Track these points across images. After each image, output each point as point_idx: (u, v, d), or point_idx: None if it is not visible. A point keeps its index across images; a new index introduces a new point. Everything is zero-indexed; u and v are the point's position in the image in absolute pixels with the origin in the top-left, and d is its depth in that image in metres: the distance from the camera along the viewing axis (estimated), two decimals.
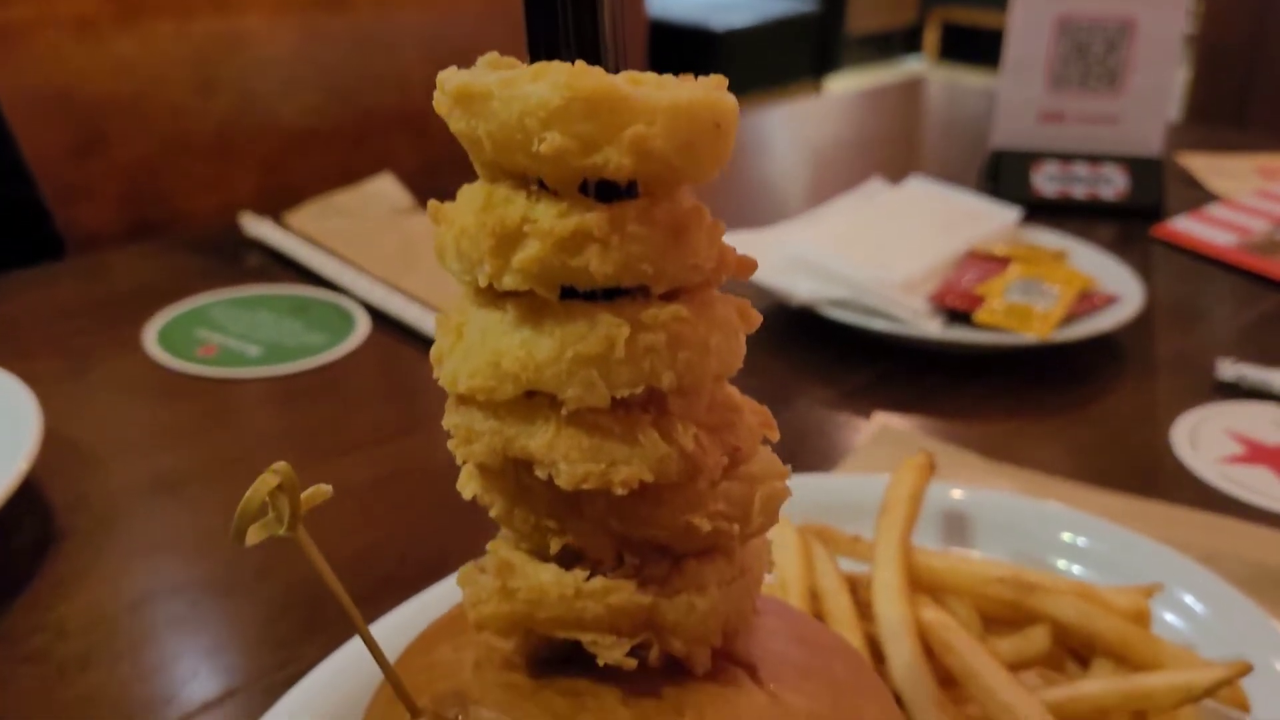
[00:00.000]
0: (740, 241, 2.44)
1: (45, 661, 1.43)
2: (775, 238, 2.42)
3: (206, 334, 2.26)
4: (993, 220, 2.61)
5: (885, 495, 1.45)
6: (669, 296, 0.76)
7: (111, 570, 1.60)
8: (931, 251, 2.40)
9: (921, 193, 2.75)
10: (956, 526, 1.58)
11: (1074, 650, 1.31)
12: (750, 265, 0.81)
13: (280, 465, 0.73)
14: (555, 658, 0.83)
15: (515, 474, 0.79)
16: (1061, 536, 1.52)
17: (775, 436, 0.84)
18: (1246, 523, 1.69)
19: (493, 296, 0.78)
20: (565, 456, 0.74)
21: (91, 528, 1.70)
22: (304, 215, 2.79)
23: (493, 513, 0.82)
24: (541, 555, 0.80)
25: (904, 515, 1.41)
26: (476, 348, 0.77)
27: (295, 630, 1.47)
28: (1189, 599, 1.39)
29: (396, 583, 1.45)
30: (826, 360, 2.24)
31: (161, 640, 1.46)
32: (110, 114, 3.35)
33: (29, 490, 1.73)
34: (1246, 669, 1.14)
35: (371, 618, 1.26)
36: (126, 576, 1.59)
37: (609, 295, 0.75)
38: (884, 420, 1.98)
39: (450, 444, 0.81)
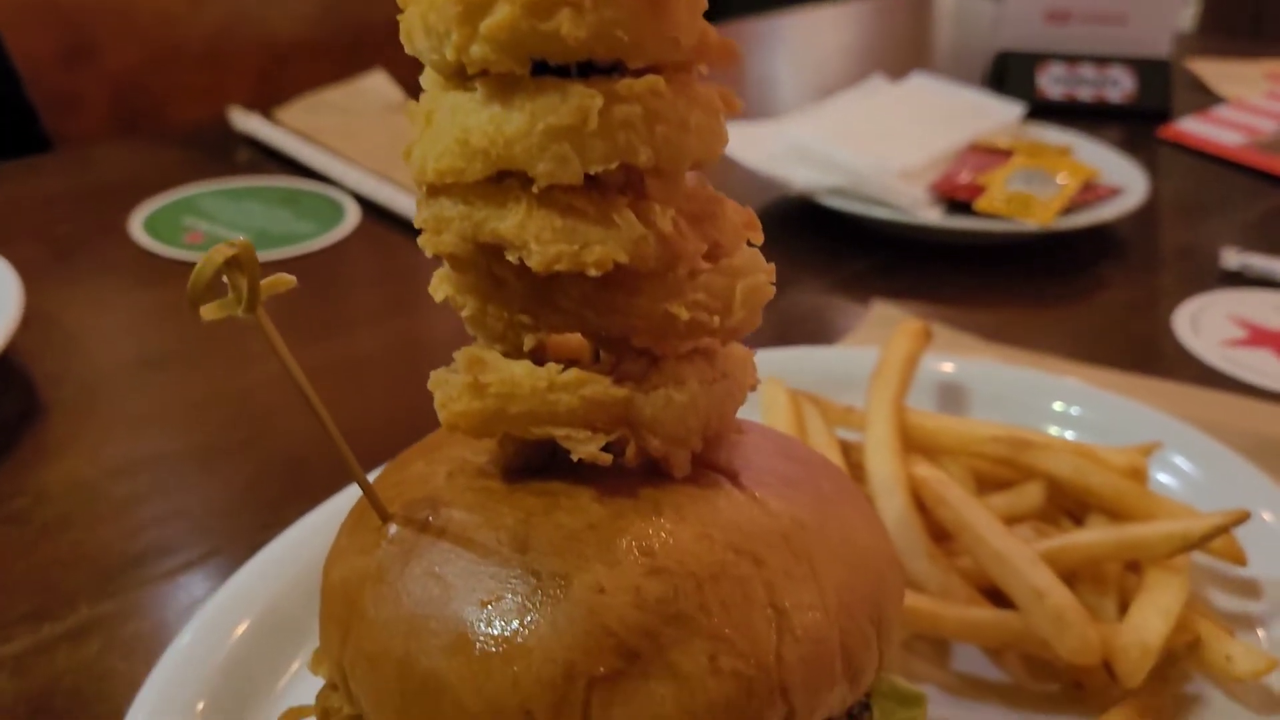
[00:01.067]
0: (739, 132, 2.38)
1: (27, 522, 1.41)
2: (774, 129, 2.37)
3: (194, 222, 2.23)
4: (996, 114, 2.56)
5: (879, 360, 1.42)
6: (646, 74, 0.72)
7: (94, 440, 1.58)
8: (932, 143, 2.35)
9: (923, 88, 2.70)
10: (950, 397, 1.55)
11: (1068, 507, 1.29)
12: (733, 51, 0.77)
13: (239, 240, 0.70)
14: (530, 466, 0.81)
15: (487, 265, 0.75)
16: (1054, 405, 1.49)
17: (759, 238, 0.81)
18: (1245, 398, 1.66)
19: (462, 79, 0.74)
20: (537, 237, 0.71)
21: (75, 401, 1.67)
22: (295, 111, 2.74)
23: (465, 314, 0.79)
24: (514, 355, 0.77)
25: (897, 377, 1.38)
26: (445, 130, 0.74)
27: (277, 494, 1.45)
28: (1184, 461, 1.36)
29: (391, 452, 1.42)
30: (824, 249, 2.20)
31: (144, 504, 1.44)
32: (99, 21, 3.28)
33: (11, 366, 1.71)
34: (1244, 516, 1.11)
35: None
36: (109, 446, 1.57)
37: (583, 72, 0.72)
38: (882, 308, 1.95)
39: (421, 240, 0.77)
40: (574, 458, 0.74)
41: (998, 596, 1.14)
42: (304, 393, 0.75)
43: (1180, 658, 1.10)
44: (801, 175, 2.19)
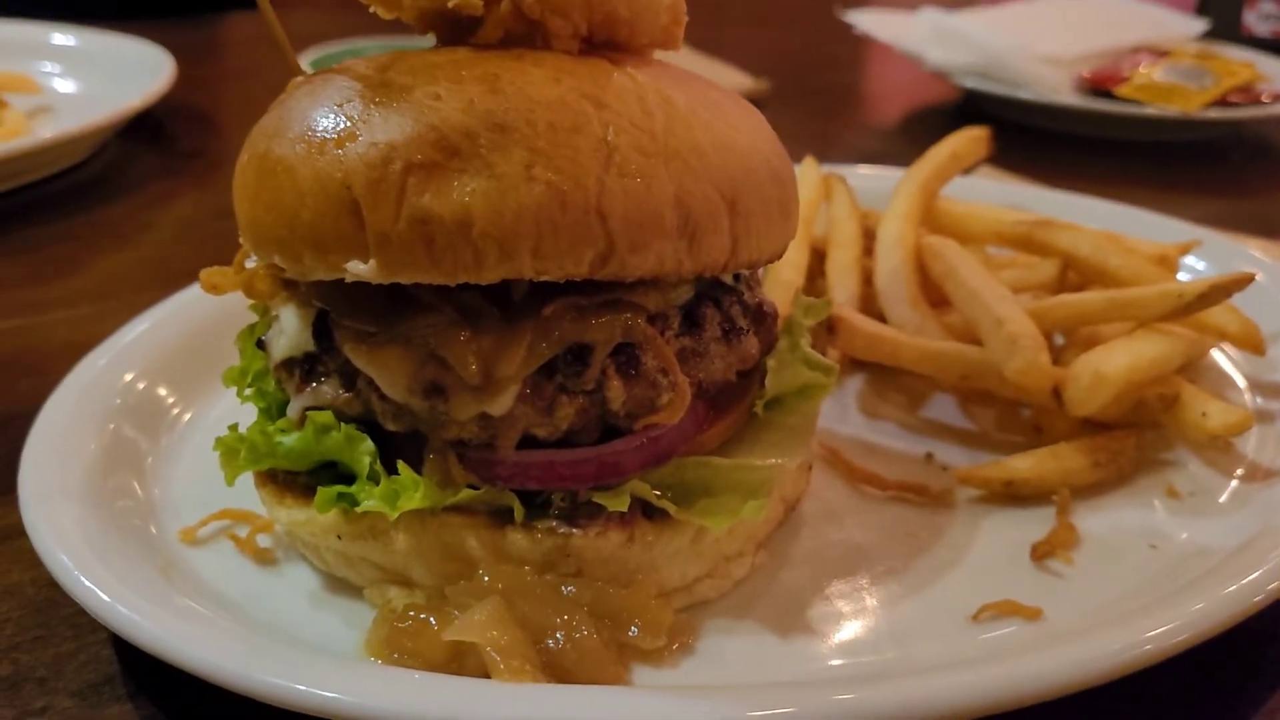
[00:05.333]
0: (882, 16, 2.34)
1: (131, 240, 1.59)
2: (923, 16, 2.33)
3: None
4: (1174, 25, 2.42)
5: (926, 153, 1.38)
6: None
7: (207, 201, 1.76)
8: (1092, 39, 2.24)
9: (1105, 1, 2.57)
10: None
11: (1083, 287, 1.22)
12: None
13: None
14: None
15: None
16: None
17: None
18: None
19: None
20: None
21: (204, 172, 1.86)
22: None
23: None
24: None
25: (938, 164, 1.34)
26: None
27: None
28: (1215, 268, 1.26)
29: None
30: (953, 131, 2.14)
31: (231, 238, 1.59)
32: None
33: (162, 135, 1.92)
34: (1247, 278, 1.03)
35: None
36: (215, 199, 1.73)
37: None
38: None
39: None
40: (450, 4, 0.78)
41: None
42: None
43: (1155, 411, 1.03)
44: (937, 54, 2.14)
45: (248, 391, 0.93)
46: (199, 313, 1.15)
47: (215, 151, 1.93)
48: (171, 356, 1.10)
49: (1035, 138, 2.09)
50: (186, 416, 1.07)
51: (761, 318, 0.92)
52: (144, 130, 1.89)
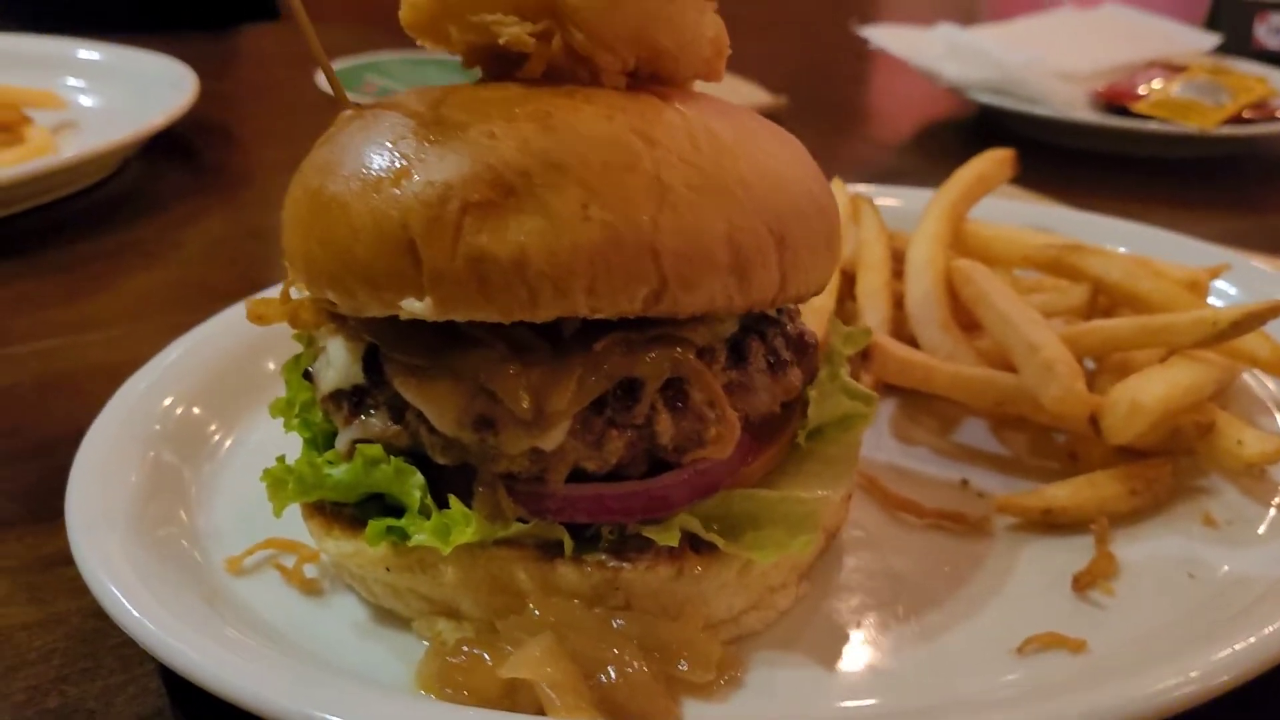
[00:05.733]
0: (897, 32, 2.36)
1: (160, 259, 1.60)
2: (939, 31, 2.34)
3: (373, 78, 2.41)
4: (1186, 40, 2.43)
5: (952, 175, 1.39)
6: None
7: (236, 213, 1.76)
8: (1106, 54, 2.25)
9: (1114, 14, 2.58)
10: None
11: (1114, 312, 1.22)
12: None
13: None
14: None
15: None
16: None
17: None
18: None
19: None
20: None
21: (227, 188, 1.86)
22: None
23: None
24: None
25: (965, 187, 1.35)
26: None
27: None
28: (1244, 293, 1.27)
29: None
30: (973, 150, 2.16)
31: (261, 258, 1.60)
32: None
33: (187, 152, 1.92)
34: (1278, 306, 1.04)
35: None
36: (244, 216, 1.74)
37: None
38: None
39: None
40: (501, 41, 0.79)
41: None
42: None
43: (1191, 440, 1.04)
44: (954, 69, 2.15)
45: (294, 422, 0.94)
46: (236, 336, 1.16)
47: (239, 168, 1.94)
48: (210, 381, 1.11)
49: (1051, 153, 2.09)
50: (227, 442, 1.08)
51: (803, 348, 0.92)
52: (167, 145, 1.90)
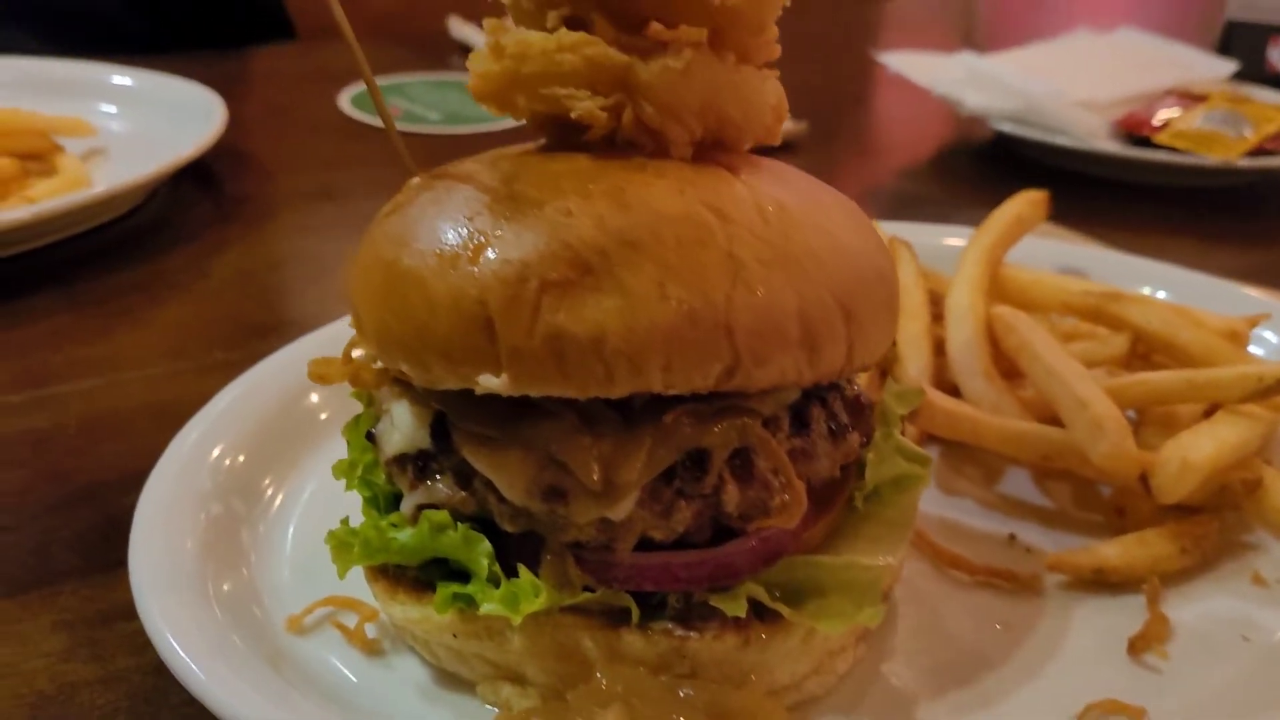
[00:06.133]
0: (917, 59, 2.36)
1: (191, 291, 1.60)
2: (957, 59, 2.34)
3: (396, 100, 2.41)
4: (1203, 67, 2.44)
5: (989, 217, 1.40)
6: None
7: (265, 243, 1.77)
8: (1125, 83, 2.26)
9: (1129, 39, 2.59)
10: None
11: (1154, 362, 1.23)
12: None
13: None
14: (545, 149, 0.87)
15: None
16: (1141, 289, 1.42)
17: None
18: None
19: None
20: None
21: (253, 215, 1.87)
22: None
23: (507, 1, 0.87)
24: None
25: (1000, 231, 1.35)
26: None
27: None
28: None
29: None
30: (988, 175, 2.17)
31: (291, 289, 1.61)
32: None
33: (211, 182, 1.92)
34: None
35: None
36: (271, 247, 1.75)
37: None
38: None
39: None
40: (574, 115, 0.80)
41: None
42: (355, 58, 0.85)
43: (1238, 496, 1.05)
44: (975, 98, 2.16)
45: (356, 482, 0.94)
46: (282, 383, 1.16)
47: (264, 195, 1.94)
48: (261, 430, 1.11)
49: (1070, 181, 2.10)
50: (281, 494, 1.08)
51: (860, 410, 0.93)
52: (191, 171, 1.90)
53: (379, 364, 0.89)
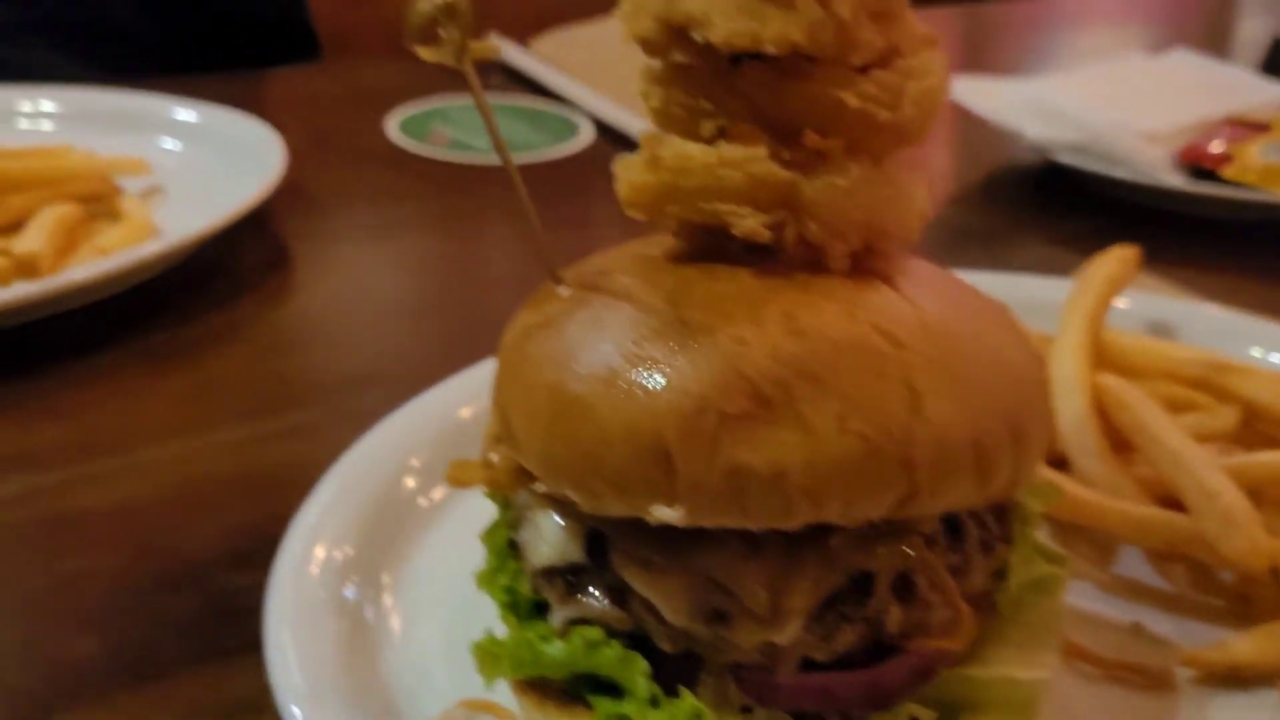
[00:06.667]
0: (976, 84, 2.34)
1: (261, 343, 1.58)
2: (1014, 84, 2.33)
3: (440, 126, 2.39)
4: (1259, 92, 2.42)
5: (1081, 279, 1.38)
6: None
7: (327, 286, 1.74)
8: (1183, 111, 2.25)
9: (1182, 62, 2.58)
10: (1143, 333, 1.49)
11: (1268, 436, 1.22)
12: None
13: None
14: (696, 254, 0.85)
15: (676, 46, 0.80)
16: (1252, 351, 1.40)
17: (938, 53, 0.83)
18: None
19: None
20: (721, 12, 0.75)
21: (314, 255, 1.84)
22: (549, 42, 2.88)
23: (652, 104, 0.85)
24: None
25: (1097, 294, 1.34)
26: None
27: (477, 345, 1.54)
28: None
29: None
30: (1051, 207, 2.15)
31: (362, 336, 1.58)
32: None
33: (266, 221, 1.89)
34: None
35: None
36: (338, 290, 1.73)
37: None
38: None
39: (620, 24, 0.84)
40: (736, 232, 0.78)
41: (1173, 508, 1.11)
42: (500, 154, 0.83)
43: None
44: (1036, 128, 2.14)
45: (497, 590, 0.93)
46: (384, 468, 1.15)
47: (320, 234, 1.91)
48: (369, 522, 1.09)
49: (1129, 215, 2.09)
50: (399, 590, 1.06)
51: (1004, 514, 0.92)
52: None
53: (504, 464, 0.87)
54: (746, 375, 0.73)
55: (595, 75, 2.66)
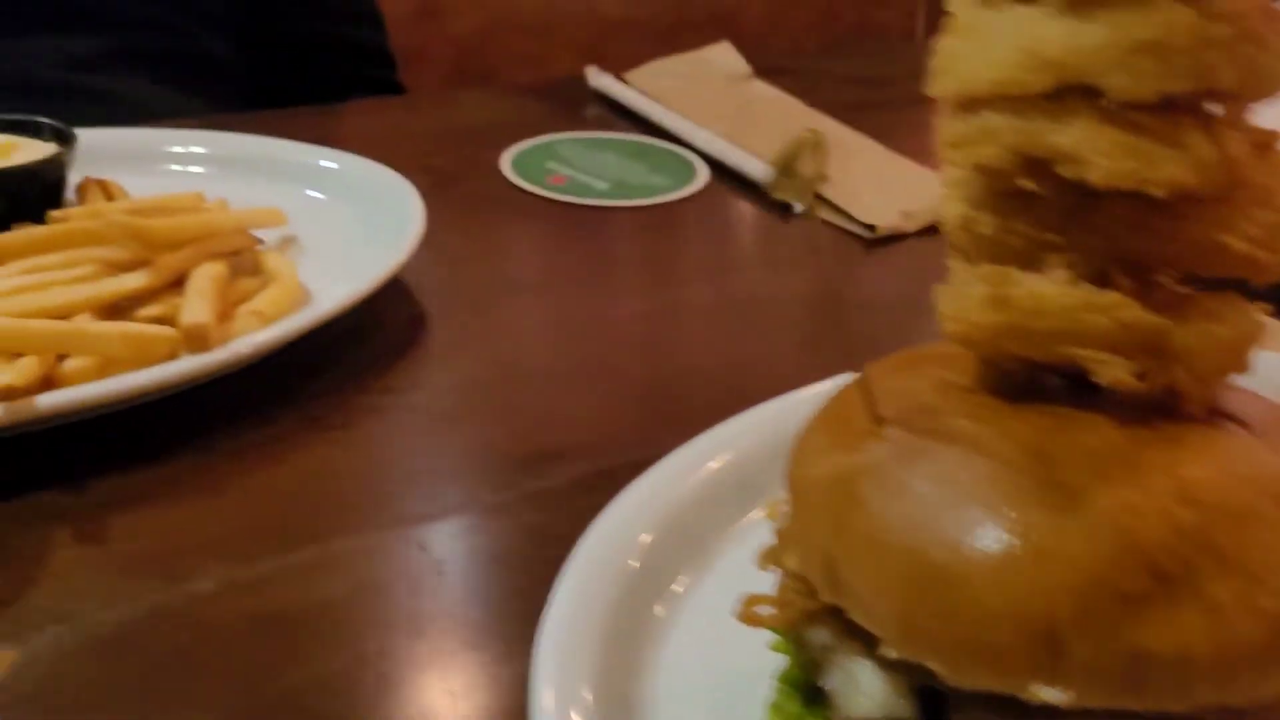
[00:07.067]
0: None
1: (424, 411, 1.53)
2: None
3: (555, 165, 2.33)
4: None
5: None
6: None
7: (478, 347, 1.69)
8: None
9: None
10: None
11: None
12: None
13: (815, 130, 0.73)
14: (1025, 390, 0.80)
15: (1025, 177, 0.75)
16: None
17: None
18: None
19: None
20: (1103, 152, 0.70)
21: (455, 312, 1.78)
22: (643, 74, 2.82)
23: (981, 229, 0.80)
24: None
25: None
26: (1000, 42, 0.74)
27: (657, 418, 1.49)
28: None
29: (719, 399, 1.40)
30: None
31: (530, 406, 1.53)
32: None
33: (399, 279, 1.84)
34: None
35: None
36: (492, 352, 1.67)
37: None
38: None
39: (950, 153, 0.78)
40: (1099, 381, 0.73)
41: None
42: None
43: None
44: None
45: None
46: (605, 602, 1.01)
47: (459, 289, 1.84)
48: (603, 644, 1.01)
49: None
50: None
51: None
52: None
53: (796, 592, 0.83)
54: (1143, 549, 0.68)
55: (698, 106, 2.61)
